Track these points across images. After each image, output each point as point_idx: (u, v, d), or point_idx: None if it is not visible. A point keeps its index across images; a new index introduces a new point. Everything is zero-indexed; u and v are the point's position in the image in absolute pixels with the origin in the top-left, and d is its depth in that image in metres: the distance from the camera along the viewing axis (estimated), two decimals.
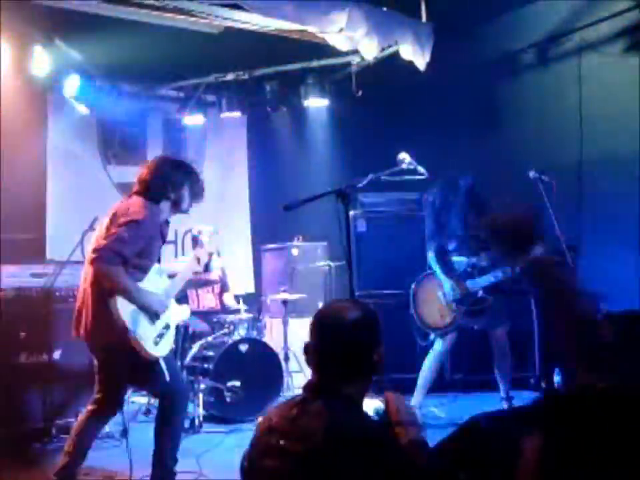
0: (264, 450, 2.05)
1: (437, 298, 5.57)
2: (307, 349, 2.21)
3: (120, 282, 3.75)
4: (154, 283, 4.00)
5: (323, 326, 2.19)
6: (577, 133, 6.34)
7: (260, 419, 2.18)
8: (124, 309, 3.77)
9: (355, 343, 2.13)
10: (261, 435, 2.10)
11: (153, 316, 3.96)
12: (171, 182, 4.06)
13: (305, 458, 1.95)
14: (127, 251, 3.74)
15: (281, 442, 2.00)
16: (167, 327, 4.06)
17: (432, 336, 5.70)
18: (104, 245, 3.73)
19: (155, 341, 3.92)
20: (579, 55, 6.41)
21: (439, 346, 5.61)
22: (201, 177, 4.33)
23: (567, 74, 6.51)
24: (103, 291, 3.78)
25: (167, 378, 3.92)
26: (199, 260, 4.42)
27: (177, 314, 4.28)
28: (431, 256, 5.62)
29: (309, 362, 2.20)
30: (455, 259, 5.58)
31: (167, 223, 4.20)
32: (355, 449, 1.93)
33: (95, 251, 3.75)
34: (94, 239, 3.98)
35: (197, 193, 4.26)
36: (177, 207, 4.13)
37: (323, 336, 2.17)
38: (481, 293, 5.48)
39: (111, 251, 3.70)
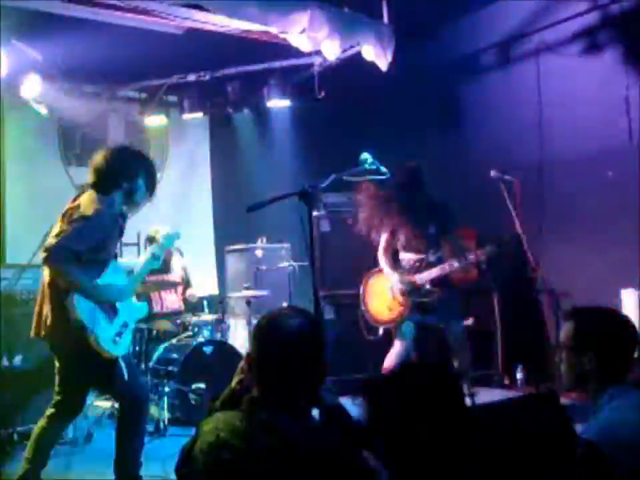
0: (213, 464, 1.95)
1: (385, 293, 5.61)
2: (250, 360, 2.12)
3: (74, 279, 3.69)
4: (111, 280, 3.94)
5: (266, 335, 2.09)
6: (536, 133, 6.43)
7: (205, 427, 2.02)
8: (81, 307, 3.71)
9: (299, 353, 2.04)
10: (208, 448, 1.97)
11: (111, 314, 3.90)
12: (126, 171, 3.98)
13: (258, 474, 1.88)
14: (80, 248, 3.67)
15: (234, 460, 1.90)
16: (126, 325, 4.01)
17: (381, 330, 5.73)
18: (55, 243, 3.65)
19: (113, 339, 3.86)
20: (538, 55, 6.50)
21: (400, 344, 5.62)
22: (156, 169, 4.24)
23: (526, 74, 6.59)
24: (60, 290, 3.73)
25: (126, 377, 3.88)
26: (154, 256, 4.30)
27: (135, 312, 4.21)
28: (379, 255, 5.67)
29: (251, 373, 2.11)
30: (403, 255, 5.62)
31: (124, 216, 4.10)
32: (310, 463, 1.88)
33: (45, 250, 3.67)
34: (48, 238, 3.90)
35: (152, 185, 4.14)
36: (130, 197, 4.02)
37: (265, 346, 2.08)
38: (427, 285, 5.52)
39: (62, 249, 3.63)
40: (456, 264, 5.40)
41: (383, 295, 5.65)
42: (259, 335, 2.11)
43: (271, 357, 2.05)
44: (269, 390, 2.04)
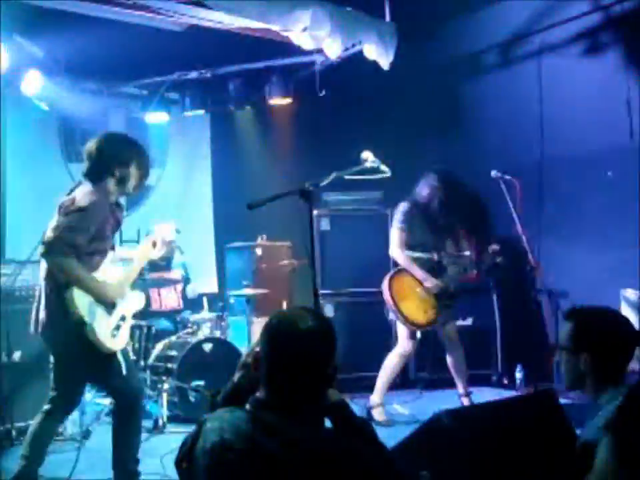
0: (216, 465, 1.92)
1: (414, 294, 5.51)
2: (257, 360, 2.07)
3: (73, 273, 3.68)
4: (108, 272, 3.93)
5: (275, 336, 2.04)
6: (537, 133, 6.43)
7: (209, 425, 1.99)
8: (80, 300, 3.70)
9: (309, 355, 1.99)
10: (211, 448, 1.94)
11: (110, 307, 3.90)
12: (117, 156, 3.96)
13: (262, 478, 1.87)
14: (78, 240, 3.67)
15: (238, 462, 1.88)
16: (123, 318, 4.00)
17: (419, 334, 5.66)
18: (53, 237, 3.64)
19: (112, 333, 3.86)
20: (539, 56, 6.50)
21: (405, 345, 5.60)
22: (147, 156, 4.19)
23: (527, 75, 6.59)
24: (58, 283, 3.72)
25: (124, 372, 3.88)
26: (154, 244, 4.29)
27: (132, 304, 4.18)
28: (397, 253, 5.61)
29: (258, 372, 2.06)
30: (410, 254, 5.59)
31: (119, 205, 4.10)
32: (321, 469, 1.86)
33: (44, 243, 3.67)
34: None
35: (144, 173, 4.12)
36: (122, 184, 3.99)
37: (274, 347, 2.02)
38: (452, 288, 5.53)
39: (61, 242, 3.62)
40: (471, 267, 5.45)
41: (413, 297, 5.51)
42: (270, 334, 2.05)
43: (281, 357, 2.00)
44: (276, 392, 2.00)
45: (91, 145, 3.99)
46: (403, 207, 5.63)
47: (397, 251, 5.58)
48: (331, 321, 2.15)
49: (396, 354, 5.63)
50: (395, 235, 5.60)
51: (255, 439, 1.90)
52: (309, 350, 1.99)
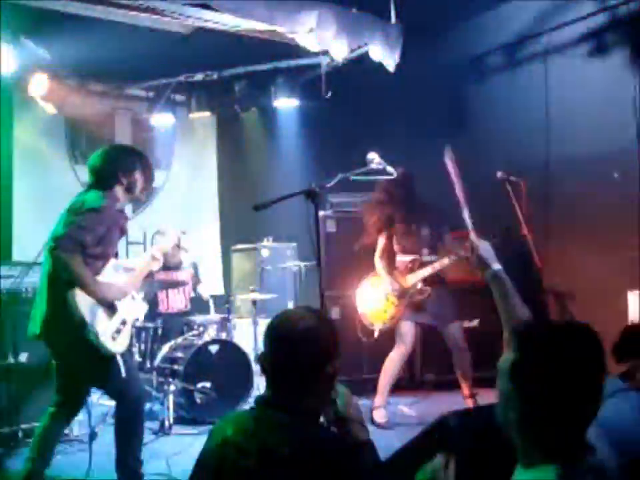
0: (218, 464, 1.96)
1: (380, 295, 5.67)
2: (261, 360, 2.10)
3: (77, 272, 3.71)
4: (111, 278, 3.97)
5: (276, 336, 2.08)
6: (543, 134, 6.42)
7: (215, 427, 2.07)
8: (82, 302, 3.73)
9: (307, 355, 2.02)
10: (215, 447, 1.99)
11: (111, 310, 3.93)
12: (122, 166, 4.07)
13: (262, 476, 1.89)
14: (87, 239, 3.73)
15: (238, 458, 1.91)
16: (124, 322, 4.02)
17: (377, 333, 5.74)
18: (63, 234, 3.70)
19: (112, 336, 3.88)
20: (545, 57, 6.49)
21: (401, 345, 5.63)
22: (150, 161, 4.36)
23: (533, 76, 6.58)
24: (61, 284, 3.74)
25: (124, 375, 3.89)
26: (153, 258, 4.37)
27: (133, 310, 4.23)
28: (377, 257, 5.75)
29: (263, 373, 2.10)
30: (400, 257, 5.65)
31: (124, 214, 4.20)
32: (317, 466, 1.88)
33: (54, 239, 3.71)
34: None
35: (148, 178, 4.27)
36: (130, 191, 4.12)
37: (275, 347, 2.07)
38: (419, 285, 5.53)
39: (71, 239, 3.67)
40: (446, 261, 5.41)
41: (378, 298, 5.69)
42: (270, 334, 2.09)
43: (280, 356, 2.05)
44: (278, 390, 2.04)
45: (93, 160, 4.10)
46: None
47: (376, 257, 5.79)
48: (332, 321, 2.18)
49: (394, 355, 5.66)
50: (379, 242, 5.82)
51: (258, 437, 1.93)
52: (306, 349, 2.02)
